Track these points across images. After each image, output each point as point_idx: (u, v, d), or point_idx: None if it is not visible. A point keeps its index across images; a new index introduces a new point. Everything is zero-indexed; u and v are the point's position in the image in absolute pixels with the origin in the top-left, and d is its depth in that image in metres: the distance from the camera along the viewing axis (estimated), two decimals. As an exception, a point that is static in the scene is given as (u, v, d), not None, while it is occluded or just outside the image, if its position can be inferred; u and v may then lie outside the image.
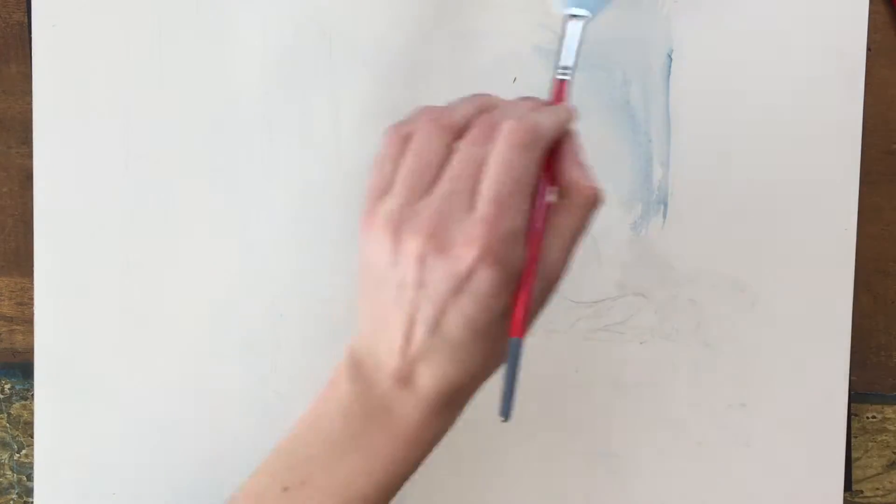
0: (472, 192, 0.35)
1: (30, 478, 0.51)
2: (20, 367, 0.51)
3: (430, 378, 0.37)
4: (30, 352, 0.50)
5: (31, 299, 0.49)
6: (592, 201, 0.38)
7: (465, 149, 0.36)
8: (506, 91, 0.48)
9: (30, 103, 0.49)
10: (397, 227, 0.36)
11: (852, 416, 0.50)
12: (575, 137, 0.38)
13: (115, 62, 0.48)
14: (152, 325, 0.49)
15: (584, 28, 0.40)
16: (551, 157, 0.37)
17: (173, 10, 0.48)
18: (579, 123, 0.49)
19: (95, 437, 0.49)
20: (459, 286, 0.35)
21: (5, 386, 0.51)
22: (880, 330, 0.50)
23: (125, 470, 0.49)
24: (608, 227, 0.49)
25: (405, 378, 0.37)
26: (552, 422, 0.49)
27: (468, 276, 0.35)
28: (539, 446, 0.49)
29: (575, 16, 0.40)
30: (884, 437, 0.51)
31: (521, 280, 0.36)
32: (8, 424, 0.51)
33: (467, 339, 0.36)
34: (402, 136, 0.37)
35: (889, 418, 0.51)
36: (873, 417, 0.51)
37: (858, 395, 0.50)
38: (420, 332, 0.36)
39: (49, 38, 0.48)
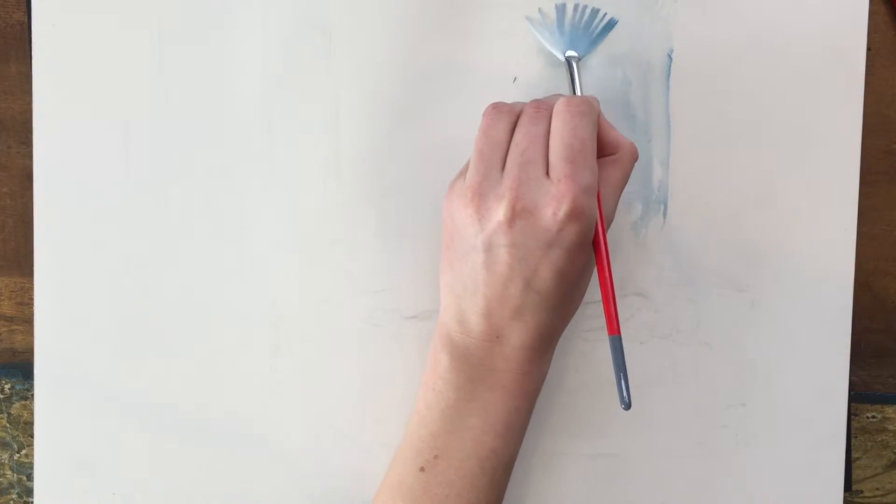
0: (541, 160, 0.40)
1: (30, 478, 0.51)
2: (20, 367, 0.51)
3: (524, 330, 0.41)
4: (30, 352, 0.50)
5: (31, 299, 0.49)
6: (634, 153, 0.43)
7: (525, 125, 0.41)
8: (506, 91, 0.48)
9: (30, 103, 0.49)
10: (481, 198, 0.40)
11: (852, 416, 0.50)
12: (600, 113, 0.44)
13: (115, 62, 0.48)
14: (152, 325, 0.49)
15: (579, 63, 0.46)
16: (600, 132, 0.43)
17: (173, 10, 0.48)
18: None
19: (95, 437, 0.49)
20: (550, 242, 0.39)
21: (5, 386, 0.51)
22: (880, 330, 0.50)
23: (125, 470, 0.49)
24: (608, 227, 0.49)
25: (500, 335, 0.41)
26: (552, 422, 0.49)
27: (558, 231, 0.39)
28: (539, 446, 0.49)
29: (571, 57, 0.46)
30: (884, 437, 0.51)
31: (602, 282, 0.41)
32: (8, 424, 0.51)
33: (559, 289, 0.40)
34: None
35: (889, 418, 0.51)
36: (873, 417, 0.51)
37: (858, 395, 0.50)
38: (515, 289, 0.40)
39: (49, 38, 0.48)
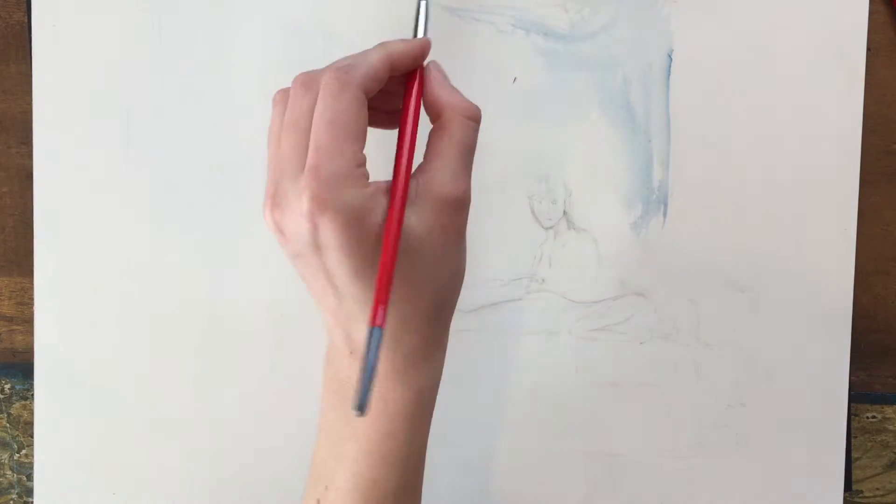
0: (298, 151, 0.34)
1: (30, 478, 0.51)
2: (20, 367, 0.51)
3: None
4: (30, 352, 0.50)
5: (31, 299, 0.49)
6: (467, 115, 0.36)
7: (290, 107, 0.35)
8: (506, 91, 0.48)
9: (30, 103, 0.49)
10: (269, 207, 0.35)
11: (852, 416, 0.50)
12: (438, 67, 0.38)
13: (115, 62, 0.48)
14: (152, 325, 0.49)
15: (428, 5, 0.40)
16: (423, 88, 0.37)
17: (173, 10, 0.48)
18: (580, 123, 0.49)
19: (95, 437, 0.49)
20: (317, 244, 0.34)
21: (5, 386, 0.51)
22: (880, 330, 0.50)
23: (125, 470, 0.49)
24: (608, 227, 0.49)
25: (356, 351, 0.36)
26: (552, 422, 0.49)
27: (312, 232, 0.33)
28: (539, 446, 0.49)
29: None
30: (884, 437, 0.51)
31: (381, 264, 0.33)
32: (8, 424, 0.51)
33: (364, 290, 0.34)
34: None
35: (889, 418, 0.51)
36: (873, 417, 0.51)
37: (858, 395, 0.50)
38: (333, 297, 0.35)
39: (49, 38, 0.48)
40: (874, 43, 0.49)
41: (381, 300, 0.32)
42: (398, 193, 0.34)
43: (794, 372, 0.49)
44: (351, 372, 0.36)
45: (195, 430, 0.49)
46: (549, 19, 0.48)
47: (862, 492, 0.51)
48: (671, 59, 0.48)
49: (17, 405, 0.51)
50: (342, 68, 0.35)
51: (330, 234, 0.33)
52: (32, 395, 0.49)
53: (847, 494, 0.51)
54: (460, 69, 0.48)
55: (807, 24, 0.48)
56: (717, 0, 0.48)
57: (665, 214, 0.49)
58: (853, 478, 0.51)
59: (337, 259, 0.34)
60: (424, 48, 0.38)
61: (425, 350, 0.37)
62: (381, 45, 0.37)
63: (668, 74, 0.48)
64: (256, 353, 0.49)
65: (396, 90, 0.38)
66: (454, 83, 0.38)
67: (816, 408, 0.49)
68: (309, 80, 0.35)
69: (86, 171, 0.49)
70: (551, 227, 0.49)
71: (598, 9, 0.48)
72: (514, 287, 0.49)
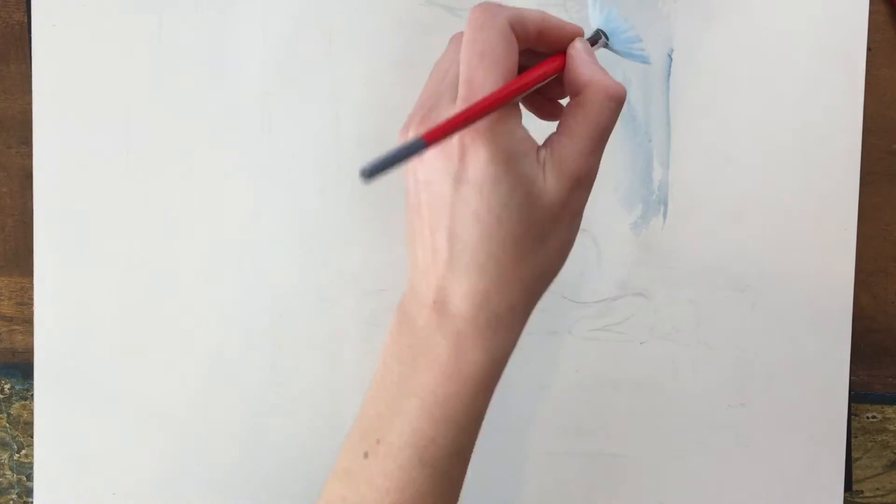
0: (456, 86, 0.34)
1: (30, 478, 0.51)
2: (20, 367, 0.51)
3: (459, 295, 0.34)
4: (30, 352, 0.50)
5: (31, 299, 0.49)
6: (612, 94, 0.35)
7: (447, 49, 0.36)
8: (506, 91, 0.48)
9: (30, 103, 0.49)
10: (404, 132, 0.35)
11: (852, 416, 0.50)
12: (587, 47, 0.37)
13: (115, 62, 0.48)
14: (152, 325, 0.49)
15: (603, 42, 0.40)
16: (567, 63, 0.36)
17: (173, 10, 0.48)
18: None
19: (95, 437, 0.49)
20: (457, 175, 0.33)
21: (5, 386, 0.51)
22: (880, 330, 0.50)
23: (125, 470, 0.49)
24: (608, 227, 0.49)
25: (441, 303, 0.35)
26: (552, 422, 0.49)
27: (460, 160, 0.33)
28: (539, 446, 0.49)
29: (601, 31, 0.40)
30: (884, 437, 0.51)
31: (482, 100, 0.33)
32: (8, 424, 0.51)
33: (482, 240, 0.34)
34: None
35: (889, 418, 0.51)
36: (873, 417, 0.51)
37: (858, 395, 0.50)
38: (441, 238, 0.34)
39: (49, 38, 0.48)
40: (874, 43, 0.49)
41: (456, 126, 0.32)
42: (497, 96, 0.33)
43: (794, 372, 0.49)
44: (428, 324, 0.35)
45: (195, 429, 0.49)
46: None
47: (862, 492, 0.51)
48: (671, 59, 0.48)
49: (16, 405, 0.51)
50: (487, 6, 0.34)
51: (475, 166, 0.33)
52: (32, 395, 0.49)
53: (847, 494, 0.51)
54: (460, 69, 0.48)
55: (807, 24, 0.48)
56: (717, 0, 0.48)
57: (665, 214, 0.49)
58: (853, 478, 0.51)
59: (468, 196, 0.33)
60: (578, 30, 0.37)
61: (511, 316, 0.36)
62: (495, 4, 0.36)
63: (668, 74, 0.48)
64: (256, 353, 0.49)
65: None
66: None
67: (816, 408, 0.49)
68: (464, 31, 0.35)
69: (86, 171, 0.49)
70: (551, 227, 0.49)
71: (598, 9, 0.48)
72: (514, 287, 0.49)
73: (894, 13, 0.49)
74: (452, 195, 0.34)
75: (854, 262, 0.49)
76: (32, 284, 0.49)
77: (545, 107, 0.39)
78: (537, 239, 0.35)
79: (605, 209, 0.49)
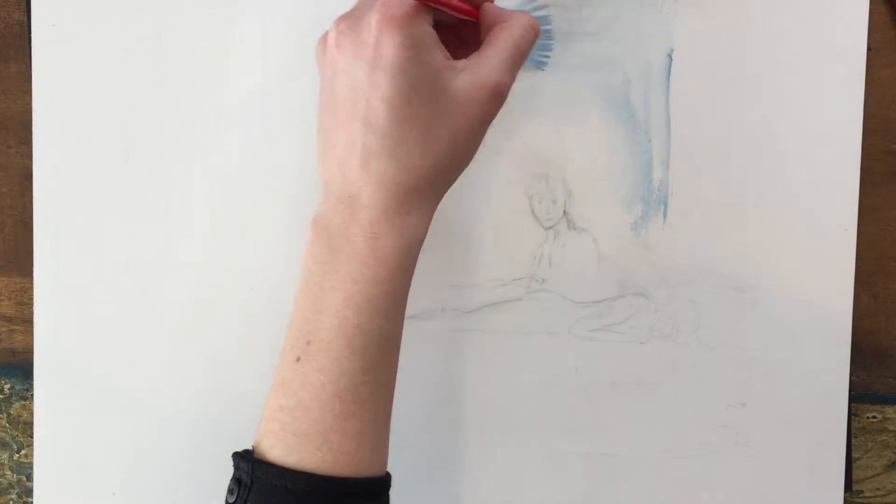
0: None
1: (30, 478, 0.51)
2: (20, 367, 0.51)
3: (372, 185, 0.37)
4: (30, 352, 0.50)
5: (31, 299, 0.49)
6: (531, 22, 0.39)
7: None
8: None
9: (30, 103, 0.49)
10: (328, 36, 0.38)
11: (852, 416, 0.50)
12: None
13: (115, 62, 0.48)
14: (152, 324, 0.49)
15: None
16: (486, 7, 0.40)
17: (173, 10, 0.48)
18: (580, 123, 0.49)
19: (95, 437, 0.49)
20: (371, 61, 0.36)
21: (5, 386, 0.51)
22: (880, 330, 0.50)
23: (125, 470, 0.49)
24: (608, 227, 0.49)
25: (355, 196, 0.37)
26: (552, 422, 0.49)
27: (374, 47, 0.36)
28: (539, 446, 0.49)
29: None
30: (884, 437, 0.51)
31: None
32: (8, 424, 0.51)
33: (393, 126, 0.36)
34: None
35: (889, 418, 0.51)
36: (873, 417, 0.51)
37: (858, 395, 0.50)
38: (355, 129, 0.36)
39: (49, 38, 0.48)
40: (874, 43, 0.49)
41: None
42: None
43: (794, 372, 0.49)
44: (343, 220, 0.37)
45: (195, 429, 0.49)
46: (549, 19, 0.48)
47: (862, 492, 0.51)
48: (671, 59, 0.48)
49: (16, 405, 0.51)
50: None
51: (391, 52, 0.35)
52: (32, 395, 0.49)
53: (847, 494, 0.51)
54: (460, 69, 0.48)
55: (807, 24, 0.48)
56: (717, 0, 0.48)
57: (665, 214, 0.49)
58: (853, 478, 0.51)
59: (380, 81, 0.36)
60: None
61: (419, 200, 0.38)
62: None
63: (668, 74, 0.48)
64: (256, 353, 0.49)
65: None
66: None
67: (816, 408, 0.49)
68: None
69: (86, 171, 0.49)
70: (551, 227, 0.49)
71: (599, 8, 0.48)
72: (514, 287, 0.49)
73: (894, 13, 0.49)
74: (366, 81, 0.36)
75: (854, 262, 0.49)
76: (32, 284, 0.49)
77: (450, 44, 0.41)
78: (443, 126, 0.37)
79: (605, 209, 0.49)
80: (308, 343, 0.38)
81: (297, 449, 0.37)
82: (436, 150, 0.37)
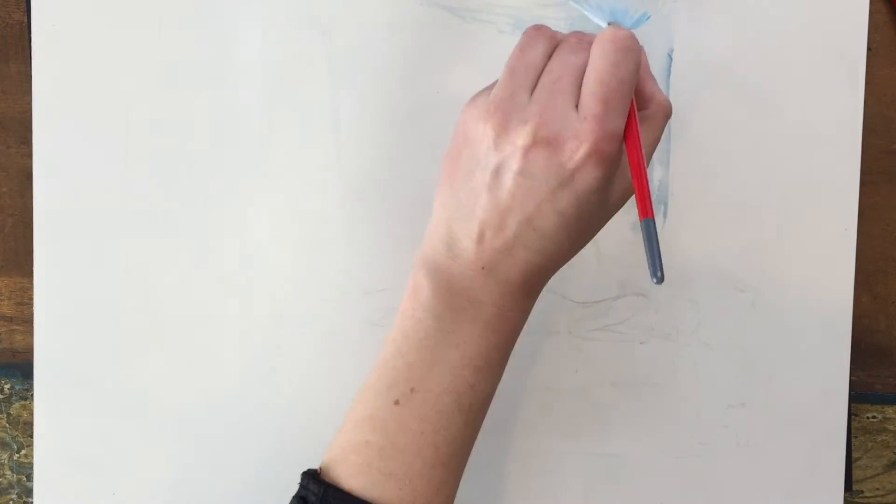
0: (573, 93, 0.37)
1: (29, 478, 0.51)
2: (20, 367, 0.51)
3: (513, 266, 0.38)
4: (30, 352, 0.50)
5: (31, 299, 0.49)
6: (667, 111, 0.40)
7: (562, 54, 0.38)
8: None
9: (30, 103, 0.49)
10: (503, 115, 0.37)
11: (852, 416, 0.50)
12: (645, 57, 0.41)
13: (116, 62, 0.48)
14: (152, 325, 0.49)
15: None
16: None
17: (173, 10, 0.48)
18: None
19: (95, 437, 0.49)
20: (563, 181, 0.37)
21: (5, 386, 0.51)
22: (880, 330, 0.50)
23: (125, 470, 0.49)
24: (608, 227, 0.48)
25: (490, 266, 0.38)
26: (552, 422, 0.49)
27: (573, 171, 0.37)
28: (539, 446, 0.49)
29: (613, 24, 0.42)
30: (884, 437, 0.51)
31: (633, 166, 0.38)
32: (8, 424, 0.51)
33: (558, 233, 0.38)
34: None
35: (889, 418, 0.51)
36: (873, 417, 0.51)
37: (858, 395, 0.50)
38: (514, 221, 0.37)
39: (49, 38, 0.48)
40: (874, 43, 0.49)
41: (649, 199, 0.37)
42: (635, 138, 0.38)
43: (794, 372, 0.49)
44: (474, 285, 0.38)
45: (195, 429, 0.49)
46: (549, 19, 0.48)
47: (862, 492, 0.51)
48: (671, 59, 0.48)
49: (16, 405, 0.51)
50: (631, 35, 0.38)
51: (587, 181, 0.37)
52: (32, 395, 0.49)
53: (847, 494, 0.51)
54: (460, 69, 0.48)
55: (807, 24, 0.48)
56: (717, 0, 0.48)
57: (665, 214, 0.49)
58: (854, 478, 0.51)
59: (562, 198, 0.37)
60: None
61: (539, 281, 0.40)
62: (631, 34, 0.39)
63: (669, 74, 0.48)
64: (256, 352, 0.49)
65: None
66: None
67: (816, 408, 0.49)
68: (583, 40, 0.39)
69: (86, 171, 0.49)
70: (551, 227, 0.49)
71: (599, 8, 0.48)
72: (514, 287, 0.49)
73: (894, 13, 0.49)
74: (547, 191, 0.37)
75: (854, 262, 0.49)
76: (32, 284, 0.49)
77: None
78: (596, 228, 0.40)
79: (605, 209, 0.48)
80: (412, 391, 0.39)
81: (379, 485, 0.38)
82: (581, 245, 0.40)
